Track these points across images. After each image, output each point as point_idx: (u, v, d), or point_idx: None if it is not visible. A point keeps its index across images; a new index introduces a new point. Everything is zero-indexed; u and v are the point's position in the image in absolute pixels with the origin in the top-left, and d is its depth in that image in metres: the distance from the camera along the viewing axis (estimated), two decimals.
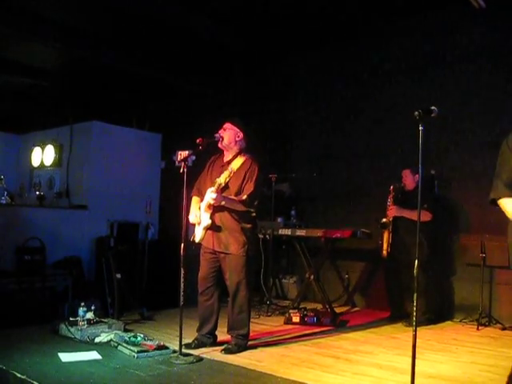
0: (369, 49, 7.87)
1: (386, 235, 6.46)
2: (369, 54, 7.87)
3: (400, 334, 5.89)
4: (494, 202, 3.34)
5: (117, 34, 7.72)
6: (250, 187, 4.93)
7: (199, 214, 5.00)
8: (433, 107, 3.58)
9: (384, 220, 6.47)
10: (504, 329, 6.01)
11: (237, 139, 5.10)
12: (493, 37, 6.68)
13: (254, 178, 4.96)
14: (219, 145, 5.07)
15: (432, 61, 7.19)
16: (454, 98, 6.81)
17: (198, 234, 5.01)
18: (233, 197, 4.91)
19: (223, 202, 4.82)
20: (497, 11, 6.56)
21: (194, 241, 5.06)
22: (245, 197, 4.89)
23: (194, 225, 5.11)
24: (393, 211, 6.44)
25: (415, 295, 3.55)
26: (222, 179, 4.95)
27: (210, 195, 4.78)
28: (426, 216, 6.03)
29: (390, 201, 6.55)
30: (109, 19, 7.29)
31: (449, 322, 6.50)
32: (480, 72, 6.74)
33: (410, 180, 6.52)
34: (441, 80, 7.04)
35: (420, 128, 3.51)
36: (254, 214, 5.01)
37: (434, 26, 7.16)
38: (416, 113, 3.50)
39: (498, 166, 3.35)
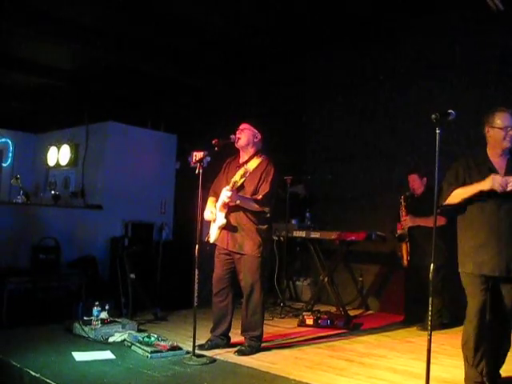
0: (384, 50, 7.81)
1: (404, 246, 6.42)
2: (384, 56, 7.83)
3: (414, 338, 5.86)
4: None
5: (133, 34, 7.75)
6: (265, 188, 4.92)
7: (215, 212, 5.00)
8: (450, 110, 3.55)
9: (399, 232, 6.44)
10: None
11: (255, 140, 5.10)
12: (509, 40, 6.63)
13: (270, 178, 4.95)
14: (236, 145, 5.07)
15: (448, 63, 7.13)
16: (469, 101, 6.75)
17: (213, 234, 5.01)
18: (248, 196, 4.91)
19: (238, 201, 4.81)
20: None
21: (208, 241, 5.06)
22: (260, 197, 4.89)
23: (208, 225, 5.11)
24: (407, 222, 6.39)
25: (430, 299, 3.51)
26: (237, 177, 4.94)
27: (225, 193, 4.78)
28: (440, 220, 5.94)
29: (402, 212, 6.50)
30: (125, 20, 7.32)
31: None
32: (498, 75, 6.69)
33: (418, 184, 6.47)
34: (457, 83, 6.98)
35: (437, 131, 3.48)
36: (268, 215, 4.99)
37: (450, 27, 7.11)
38: (433, 116, 3.48)
39: (449, 178, 3.96)
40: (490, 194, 3.73)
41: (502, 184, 3.63)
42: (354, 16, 7.22)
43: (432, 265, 3.46)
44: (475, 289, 3.82)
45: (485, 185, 3.70)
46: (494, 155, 3.88)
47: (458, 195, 3.85)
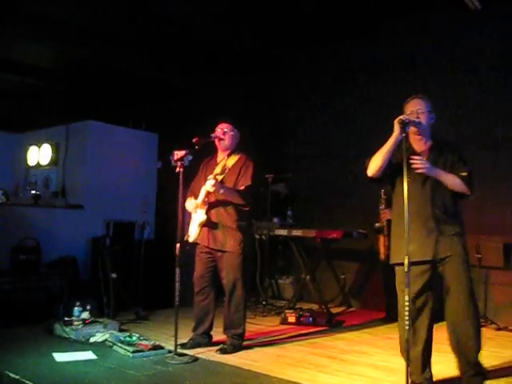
0: (365, 49, 7.86)
1: (381, 239, 6.47)
2: (366, 55, 7.87)
3: (395, 334, 5.79)
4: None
5: (113, 33, 7.71)
6: (246, 180, 4.94)
7: (195, 202, 4.99)
8: (415, 119, 3.76)
9: (377, 225, 6.49)
10: (499, 329, 6.03)
11: (236, 140, 5.15)
12: (487, 40, 6.72)
13: (250, 172, 4.98)
14: (217, 143, 5.08)
15: (429, 62, 7.20)
16: (448, 100, 6.81)
17: (193, 233, 5.00)
18: (230, 187, 4.91)
19: (222, 191, 4.79)
20: (492, 14, 6.62)
21: (187, 240, 5.06)
22: (242, 187, 4.90)
23: (189, 224, 5.11)
24: (386, 215, 6.44)
25: (407, 291, 3.52)
26: (218, 169, 4.94)
27: (209, 182, 4.73)
28: None
29: (382, 205, 6.56)
30: (106, 18, 7.27)
31: (444, 323, 6.48)
32: (475, 74, 6.76)
33: None
34: (437, 82, 7.03)
35: (403, 135, 3.63)
36: (247, 208, 4.99)
37: (430, 26, 7.17)
38: (398, 122, 3.67)
39: None
40: (414, 177, 3.74)
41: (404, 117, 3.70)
42: (336, 16, 7.24)
43: (406, 259, 3.46)
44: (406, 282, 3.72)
45: (393, 133, 3.76)
46: (414, 141, 3.96)
47: (374, 158, 3.89)
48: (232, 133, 5.10)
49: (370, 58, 7.83)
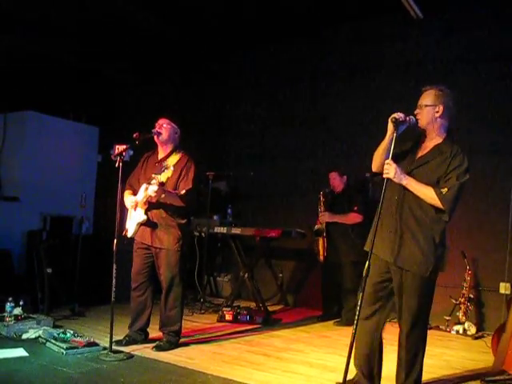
0: (309, 51, 7.97)
1: (321, 241, 6.58)
2: (309, 57, 7.98)
3: (330, 332, 6.02)
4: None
5: (54, 22, 7.54)
6: (187, 184, 4.91)
7: (135, 199, 4.95)
8: (410, 117, 3.57)
9: (317, 227, 6.58)
10: (430, 328, 6.21)
11: (175, 135, 5.11)
12: (431, 47, 6.92)
13: (191, 175, 4.95)
14: (156, 139, 5.04)
15: (371, 67, 7.35)
16: (391, 105, 6.95)
17: (131, 229, 4.97)
18: (172, 191, 4.88)
19: (163, 195, 4.76)
20: (435, 22, 6.83)
21: (126, 236, 5.01)
22: (183, 192, 4.86)
23: (126, 219, 5.06)
24: (325, 217, 6.54)
25: (360, 294, 3.60)
26: (163, 178, 4.82)
27: (152, 188, 4.67)
28: (357, 218, 6.20)
29: (321, 207, 6.66)
30: (46, 7, 7.11)
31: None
32: (420, 81, 6.92)
33: (337, 182, 6.63)
34: (381, 85, 7.18)
35: (394, 135, 3.50)
36: (189, 211, 5.00)
37: (375, 31, 7.34)
38: (393, 119, 3.50)
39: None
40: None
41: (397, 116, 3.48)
42: (280, 17, 7.31)
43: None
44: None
45: (388, 132, 3.56)
46: (424, 134, 3.70)
47: (374, 154, 3.72)
48: (169, 126, 5.06)
49: (313, 62, 7.94)
